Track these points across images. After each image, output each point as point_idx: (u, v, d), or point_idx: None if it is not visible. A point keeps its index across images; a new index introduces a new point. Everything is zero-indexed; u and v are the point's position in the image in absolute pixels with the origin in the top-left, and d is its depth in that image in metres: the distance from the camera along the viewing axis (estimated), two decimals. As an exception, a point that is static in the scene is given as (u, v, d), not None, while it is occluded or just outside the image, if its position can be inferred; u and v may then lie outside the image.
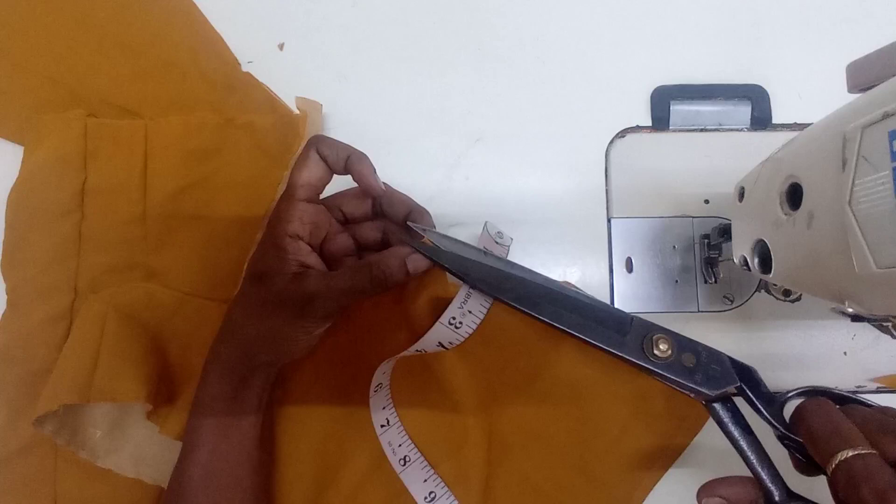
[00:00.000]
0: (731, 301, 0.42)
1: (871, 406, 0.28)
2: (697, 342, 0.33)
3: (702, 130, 0.44)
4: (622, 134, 0.44)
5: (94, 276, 0.41)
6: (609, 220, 0.43)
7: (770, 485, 0.29)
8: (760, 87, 0.44)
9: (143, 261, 0.41)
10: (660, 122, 0.44)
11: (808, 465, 0.29)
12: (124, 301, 0.39)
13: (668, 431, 0.40)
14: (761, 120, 0.44)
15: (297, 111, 0.42)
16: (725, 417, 0.32)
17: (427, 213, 0.37)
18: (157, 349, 0.38)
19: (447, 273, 0.37)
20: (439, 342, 0.37)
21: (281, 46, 0.45)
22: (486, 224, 0.40)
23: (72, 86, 0.43)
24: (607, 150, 0.44)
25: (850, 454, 0.24)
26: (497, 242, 0.40)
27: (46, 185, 0.41)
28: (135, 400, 0.35)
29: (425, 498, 0.37)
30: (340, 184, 0.37)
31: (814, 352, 0.41)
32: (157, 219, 0.41)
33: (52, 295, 0.40)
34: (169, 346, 0.39)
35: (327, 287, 0.33)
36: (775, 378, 0.41)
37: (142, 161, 0.42)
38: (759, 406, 0.31)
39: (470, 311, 0.37)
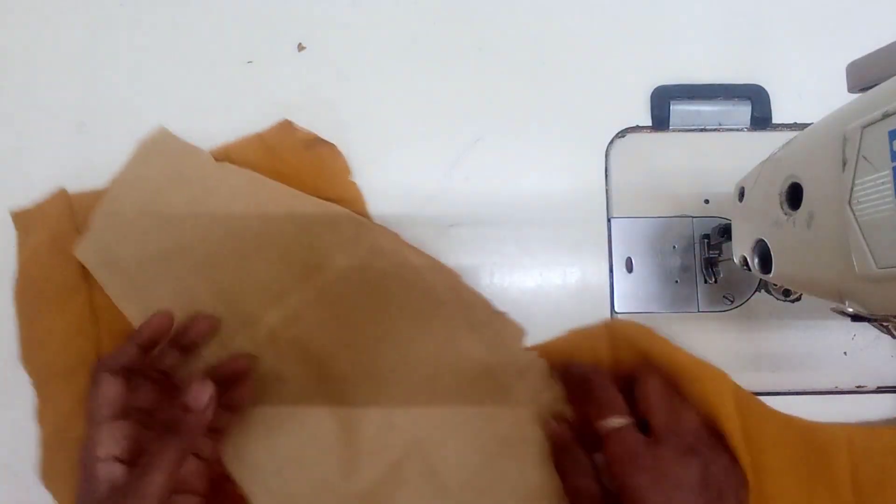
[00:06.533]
0: (731, 301, 0.42)
1: None
2: None
3: (702, 130, 0.44)
4: (622, 134, 0.44)
5: (117, 342, 0.39)
6: (609, 220, 0.43)
7: None
8: (760, 87, 0.44)
9: None
10: (660, 122, 0.44)
11: None
12: None
13: None
14: (761, 120, 0.44)
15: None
16: None
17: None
18: None
19: None
20: None
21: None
22: None
23: None
24: (607, 150, 0.44)
25: None
26: None
27: (48, 266, 0.40)
28: None
29: None
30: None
31: (814, 352, 0.41)
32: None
33: (77, 371, 0.39)
34: None
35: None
36: (775, 378, 0.41)
37: None
38: None
39: None
